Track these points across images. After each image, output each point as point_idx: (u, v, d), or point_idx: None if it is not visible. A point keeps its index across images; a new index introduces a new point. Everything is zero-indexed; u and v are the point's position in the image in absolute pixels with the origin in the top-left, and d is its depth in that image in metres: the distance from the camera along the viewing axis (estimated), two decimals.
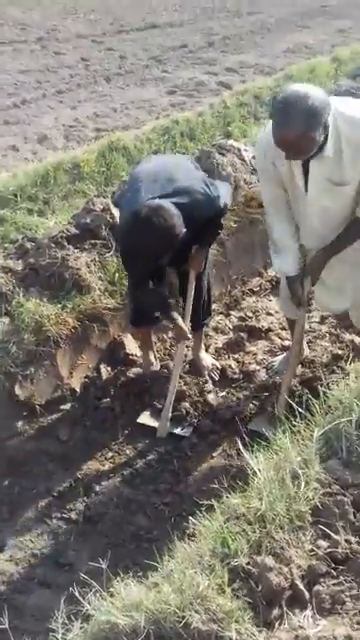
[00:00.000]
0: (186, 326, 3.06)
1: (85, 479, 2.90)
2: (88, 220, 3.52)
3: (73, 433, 3.13)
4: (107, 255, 3.49)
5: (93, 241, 3.51)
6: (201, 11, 10.93)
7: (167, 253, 2.65)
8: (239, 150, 4.17)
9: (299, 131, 2.19)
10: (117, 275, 3.47)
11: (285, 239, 2.71)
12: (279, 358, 3.39)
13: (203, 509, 2.45)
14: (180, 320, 3.00)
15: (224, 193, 2.99)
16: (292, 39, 8.99)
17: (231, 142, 4.24)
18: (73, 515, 2.76)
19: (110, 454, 3.02)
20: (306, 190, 2.49)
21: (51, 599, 2.44)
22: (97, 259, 3.46)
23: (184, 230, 2.57)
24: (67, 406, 3.23)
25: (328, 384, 2.71)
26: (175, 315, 2.99)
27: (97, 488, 2.86)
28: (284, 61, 8.01)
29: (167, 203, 2.54)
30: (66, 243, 3.43)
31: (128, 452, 3.02)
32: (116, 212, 3.63)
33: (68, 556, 2.61)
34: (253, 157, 2.87)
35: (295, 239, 2.71)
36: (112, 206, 3.64)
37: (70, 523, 2.73)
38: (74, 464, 2.98)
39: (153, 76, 7.82)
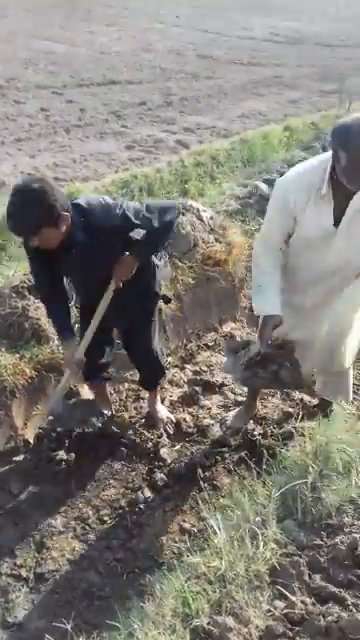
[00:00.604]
0: (81, 353, 2.86)
1: (36, 534, 2.86)
2: None
3: (25, 486, 3.09)
4: (71, 304, 3.53)
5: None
6: (160, 71, 11.38)
7: (42, 229, 2.43)
8: (198, 210, 4.34)
9: None
10: (77, 326, 3.50)
11: (269, 273, 2.69)
12: (232, 413, 3.48)
13: (160, 567, 2.48)
14: (72, 345, 2.86)
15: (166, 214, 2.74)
16: (247, 105, 9.47)
17: (190, 202, 4.41)
18: (23, 572, 2.70)
19: (62, 508, 2.99)
20: (336, 229, 2.52)
21: None
22: None
23: (66, 214, 2.44)
24: (20, 457, 3.20)
25: (284, 442, 2.80)
26: (67, 335, 2.87)
27: (49, 543, 2.82)
28: (239, 125, 8.42)
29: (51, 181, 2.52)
30: (27, 293, 3.45)
31: (81, 506, 3.00)
32: None
33: (17, 615, 2.55)
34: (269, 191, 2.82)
35: (279, 276, 2.69)
36: None
37: (20, 580, 2.67)
38: (25, 518, 2.94)
39: (112, 130, 8.05)
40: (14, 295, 3.41)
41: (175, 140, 7.72)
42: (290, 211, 2.54)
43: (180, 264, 4.03)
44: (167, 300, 3.24)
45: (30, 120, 8.11)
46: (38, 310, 3.40)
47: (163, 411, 3.43)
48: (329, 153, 2.42)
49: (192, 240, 4.12)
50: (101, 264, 2.73)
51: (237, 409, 3.50)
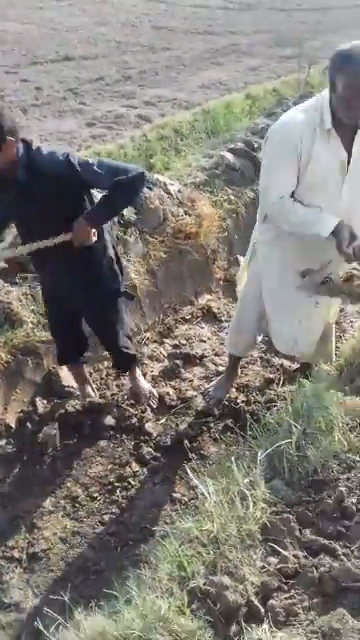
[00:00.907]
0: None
1: (26, 516, 2.87)
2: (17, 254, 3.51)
3: (10, 470, 3.09)
4: (39, 288, 3.50)
5: (24, 274, 3.51)
6: (115, 45, 11.14)
7: None
8: (165, 184, 4.31)
9: None
10: None
11: (305, 207, 2.53)
12: (214, 383, 3.51)
13: (153, 537, 2.52)
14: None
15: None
16: (206, 75, 9.35)
17: (157, 176, 4.38)
18: (16, 553, 2.71)
19: (51, 488, 3.00)
20: (347, 170, 2.49)
21: None
22: (28, 292, 3.46)
23: (10, 139, 2.33)
24: (2, 442, 3.19)
25: (267, 407, 2.85)
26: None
27: (39, 524, 2.84)
28: (200, 96, 8.31)
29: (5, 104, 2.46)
30: None
31: (69, 485, 3.02)
32: None
33: (13, 595, 2.57)
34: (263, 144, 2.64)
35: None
36: None
37: (13, 562, 2.69)
38: (13, 501, 2.94)
39: (71, 108, 7.88)
40: None
41: (136, 115, 7.59)
42: (298, 151, 2.44)
43: (151, 239, 4.01)
44: (130, 297, 3.14)
45: None
46: (10, 294, 3.36)
47: (145, 385, 3.45)
48: (321, 93, 2.43)
49: (162, 214, 4.10)
50: (45, 215, 2.54)
51: (218, 379, 3.53)
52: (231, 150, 5.15)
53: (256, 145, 5.31)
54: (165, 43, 11.38)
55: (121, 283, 3.02)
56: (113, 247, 2.96)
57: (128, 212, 3.99)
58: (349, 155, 2.48)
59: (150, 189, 4.11)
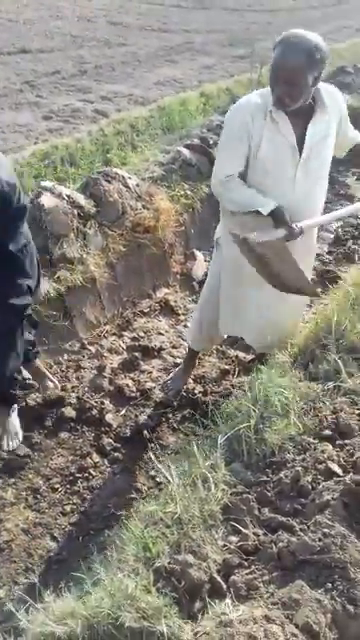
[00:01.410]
0: None
1: None
2: None
3: None
4: None
5: None
6: (71, 39, 11.05)
7: None
8: (124, 177, 4.34)
9: (297, 64, 2.32)
10: None
11: (252, 190, 2.59)
12: (172, 376, 3.57)
13: (116, 523, 2.56)
14: None
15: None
16: (161, 72, 9.39)
17: (116, 170, 4.40)
18: None
19: (12, 480, 3.01)
20: (300, 154, 2.55)
21: None
22: None
23: None
24: None
25: (224, 396, 2.93)
26: None
27: (1, 515, 2.84)
28: (156, 93, 8.36)
29: None
30: None
31: (30, 477, 3.03)
32: None
33: None
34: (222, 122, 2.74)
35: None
36: None
37: None
38: None
39: (27, 101, 7.79)
40: None
41: (93, 109, 7.58)
42: (249, 133, 2.52)
43: (110, 232, 4.04)
44: (34, 324, 3.01)
45: None
46: None
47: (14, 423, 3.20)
48: None
49: (120, 208, 4.13)
50: None
51: (176, 370, 3.60)
52: (187, 146, 5.22)
53: (211, 141, 5.39)
54: (121, 39, 11.36)
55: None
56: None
57: (88, 205, 4.00)
58: (303, 141, 2.55)
59: (109, 182, 4.13)
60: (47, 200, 3.92)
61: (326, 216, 2.83)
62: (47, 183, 4.09)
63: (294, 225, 2.55)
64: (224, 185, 2.61)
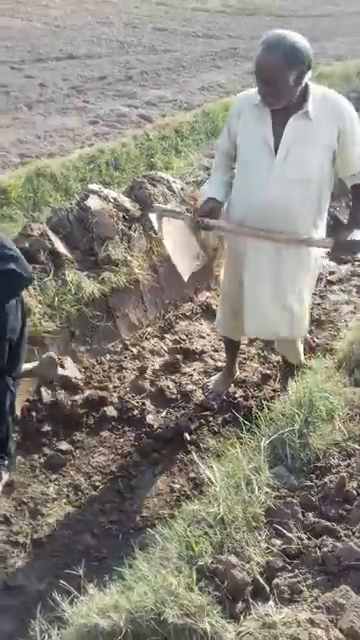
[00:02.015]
0: None
1: (30, 502, 2.92)
2: (27, 245, 3.57)
3: (15, 458, 3.14)
4: (46, 279, 3.56)
5: (32, 265, 3.56)
6: (117, 45, 11.24)
7: None
8: (168, 181, 4.38)
9: (275, 63, 2.34)
10: (56, 299, 3.55)
11: (216, 172, 2.93)
12: (213, 378, 3.58)
13: (156, 523, 2.58)
14: None
15: None
16: (206, 78, 9.46)
17: (161, 174, 4.45)
18: (20, 538, 2.76)
19: (54, 476, 3.06)
20: (275, 152, 2.58)
21: (2, 622, 2.46)
22: (36, 283, 3.51)
23: None
24: None
25: (266, 400, 2.92)
26: None
27: (43, 510, 2.89)
28: (200, 98, 8.43)
29: None
30: None
31: (72, 474, 3.07)
32: (54, 238, 3.73)
33: (17, 579, 2.62)
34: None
35: (224, 176, 2.84)
36: (50, 232, 3.72)
37: (17, 546, 2.74)
38: (18, 488, 2.99)
39: (75, 105, 7.96)
40: None
41: (138, 114, 7.69)
42: (234, 125, 2.71)
43: (154, 235, 4.08)
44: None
45: None
46: None
47: None
48: None
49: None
50: None
51: (218, 374, 3.60)
52: None
53: None
54: (166, 45, 11.49)
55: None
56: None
57: (133, 208, 4.06)
58: (279, 140, 2.56)
59: (154, 186, 4.18)
60: (94, 203, 4.00)
61: (261, 233, 2.67)
62: (94, 186, 4.17)
63: (199, 219, 2.76)
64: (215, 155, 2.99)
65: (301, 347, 3.31)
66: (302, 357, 3.30)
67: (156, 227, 2.92)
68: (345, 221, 3.00)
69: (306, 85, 2.49)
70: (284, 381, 3.27)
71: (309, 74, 2.45)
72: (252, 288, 2.89)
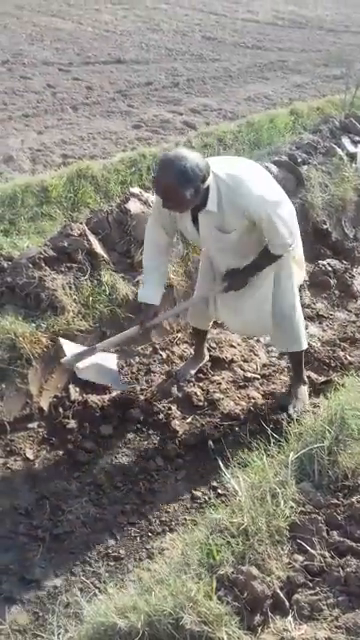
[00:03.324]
0: None
1: (52, 497, 2.94)
2: (65, 244, 3.62)
3: (40, 452, 3.17)
4: (82, 279, 3.60)
5: (69, 264, 3.62)
6: (166, 52, 11.31)
7: None
8: None
9: (169, 184, 2.67)
10: (91, 299, 3.58)
11: (151, 274, 3.17)
12: (183, 364, 3.73)
13: (174, 529, 2.57)
14: None
15: None
16: (253, 88, 9.44)
17: None
18: (40, 532, 2.78)
19: (77, 474, 3.08)
20: (199, 234, 2.99)
21: (17, 614, 2.48)
22: (72, 282, 3.56)
23: None
24: (34, 424, 3.27)
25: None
26: None
27: (64, 507, 2.91)
28: (245, 108, 8.41)
29: None
30: (43, 264, 3.51)
31: (95, 472, 3.09)
32: (93, 238, 3.76)
33: (34, 572, 2.64)
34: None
35: (159, 276, 3.18)
36: (89, 232, 3.76)
37: (37, 540, 2.76)
38: (40, 482, 3.02)
39: (119, 109, 8.03)
40: (31, 266, 3.46)
41: (182, 121, 7.71)
42: (164, 215, 3.04)
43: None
44: None
45: (37, 96, 8.07)
46: (54, 281, 3.46)
47: None
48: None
49: None
50: None
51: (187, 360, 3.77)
52: (275, 162, 5.22)
53: (299, 159, 5.39)
54: (214, 54, 11.51)
55: None
56: None
57: None
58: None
59: None
60: (134, 206, 4.03)
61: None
62: (135, 189, 4.20)
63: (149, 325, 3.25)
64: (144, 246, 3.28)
65: (302, 330, 3.37)
66: (304, 340, 3.39)
67: (79, 375, 3.23)
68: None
69: (207, 187, 2.75)
70: (294, 377, 3.53)
71: (208, 181, 2.73)
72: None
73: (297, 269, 3.26)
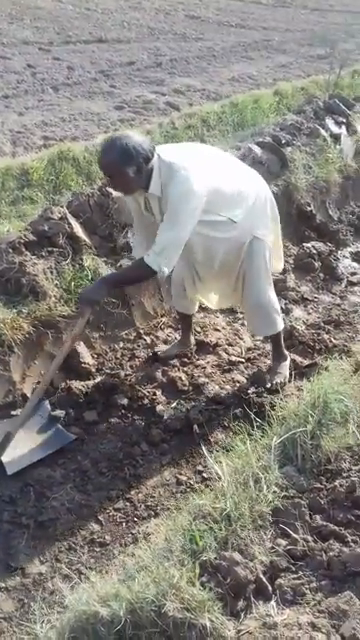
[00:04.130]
0: None
1: (36, 485, 2.92)
2: (46, 228, 3.57)
3: None
4: (64, 263, 3.55)
5: (50, 249, 3.56)
6: (148, 31, 11.16)
7: None
8: None
9: (111, 161, 2.72)
10: (73, 283, 3.54)
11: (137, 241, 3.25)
12: (168, 347, 3.73)
13: (160, 514, 2.56)
14: None
15: None
16: (237, 68, 9.36)
17: None
18: (24, 520, 2.77)
19: (61, 460, 3.06)
20: (155, 219, 2.98)
21: (1, 602, 2.47)
22: (54, 266, 3.51)
23: None
24: (18, 412, 3.24)
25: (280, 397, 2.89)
26: None
27: (48, 493, 2.89)
28: (229, 89, 8.33)
29: None
30: (24, 249, 3.46)
31: (79, 459, 3.07)
32: (74, 222, 3.71)
33: (19, 560, 2.63)
34: None
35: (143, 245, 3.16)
36: (70, 216, 3.71)
37: (21, 527, 2.74)
38: (24, 469, 3.00)
39: (101, 90, 7.92)
40: (11, 251, 3.41)
41: (165, 102, 7.62)
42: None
43: None
44: None
45: (17, 77, 7.93)
46: (35, 266, 3.41)
47: None
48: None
49: None
50: None
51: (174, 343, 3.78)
52: (259, 143, 5.17)
53: (283, 140, 5.34)
54: (198, 33, 11.38)
55: None
56: None
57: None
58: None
59: None
60: None
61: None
62: None
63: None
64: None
65: (276, 313, 3.39)
66: (279, 323, 3.42)
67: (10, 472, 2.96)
68: None
69: (151, 169, 2.78)
70: (275, 355, 3.55)
71: (152, 161, 2.76)
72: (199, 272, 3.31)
73: (272, 255, 3.28)
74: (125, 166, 2.70)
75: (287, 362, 3.57)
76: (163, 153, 2.82)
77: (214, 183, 2.87)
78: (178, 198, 2.75)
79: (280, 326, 3.42)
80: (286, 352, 3.60)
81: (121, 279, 3.14)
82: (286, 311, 4.20)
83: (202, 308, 4.16)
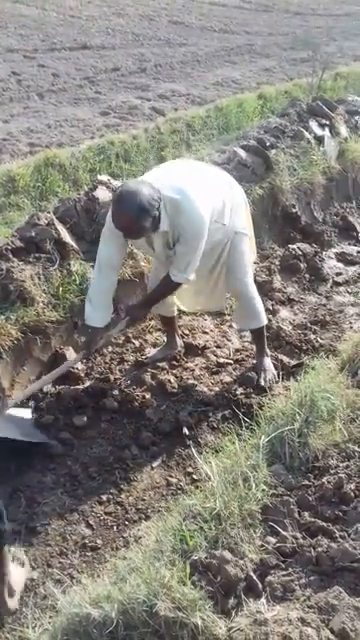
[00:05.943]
0: None
1: (27, 490, 2.92)
2: (33, 234, 3.57)
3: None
4: (51, 269, 3.56)
5: (38, 254, 3.56)
6: (132, 37, 11.19)
7: None
8: None
9: (130, 220, 2.84)
10: (61, 289, 3.55)
11: (101, 295, 3.22)
12: (155, 350, 3.77)
13: (151, 517, 2.57)
14: None
15: None
16: (221, 73, 9.41)
17: None
18: (15, 526, 2.77)
19: (52, 465, 3.06)
20: (154, 250, 3.19)
21: None
22: (41, 272, 3.51)
23: None
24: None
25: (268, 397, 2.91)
26: None
27: (39, 499, 2.89)
28: (213, 93, 8.38)
29: None
30: (11, 255, 3.46)
31: (70, 463, 3.07)
32: (61, 228, 3.72)
33: None
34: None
35: (109, 298, 3.24)
36: (56, 222, 3.71)
37: (12, 533, 2.74)
38: (15, 475, 3.00)
39: (87, 96, 7.94)
40: None
41: (150, 107, 7.65)
42: (119, 239, 3.12)
43: None
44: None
45: (2, 84, 7.93)
46: (23, 272, 3.41)
47: None
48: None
49: None
50: None
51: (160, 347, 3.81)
52: (243, 147, 5.21)
53: (267, 143, 5.38)
54: (182, 38, 11.44)
55: None
56: None
57: None
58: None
59: None
60: (102, 193, 3.99)
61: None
62: (103, 177, 4.16)
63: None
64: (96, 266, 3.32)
65: (259, 306, 3.52)
66: (263, 317, 3.55)
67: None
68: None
69: (160, 211, 2.91)
70: (258, 351, 3.66)
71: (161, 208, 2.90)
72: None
73: (250, 248, 3.47)
74: (144, 222, 2.85)
75: (269, 359, 3.66)
76: (161, 188, 2.93)
77: (210, 200, 3.07)
78: (192, 227, 2.97)
79: (263, 320, 3.55)
80: (267, 349, 3.70)
81: (158, 297, 3.32)
82: (273, 312, 4.22)
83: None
